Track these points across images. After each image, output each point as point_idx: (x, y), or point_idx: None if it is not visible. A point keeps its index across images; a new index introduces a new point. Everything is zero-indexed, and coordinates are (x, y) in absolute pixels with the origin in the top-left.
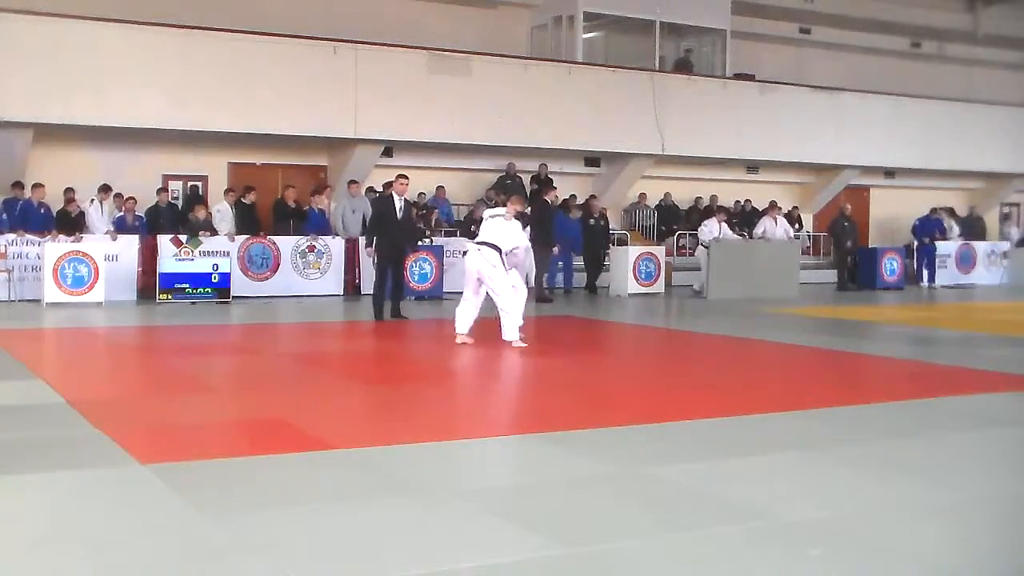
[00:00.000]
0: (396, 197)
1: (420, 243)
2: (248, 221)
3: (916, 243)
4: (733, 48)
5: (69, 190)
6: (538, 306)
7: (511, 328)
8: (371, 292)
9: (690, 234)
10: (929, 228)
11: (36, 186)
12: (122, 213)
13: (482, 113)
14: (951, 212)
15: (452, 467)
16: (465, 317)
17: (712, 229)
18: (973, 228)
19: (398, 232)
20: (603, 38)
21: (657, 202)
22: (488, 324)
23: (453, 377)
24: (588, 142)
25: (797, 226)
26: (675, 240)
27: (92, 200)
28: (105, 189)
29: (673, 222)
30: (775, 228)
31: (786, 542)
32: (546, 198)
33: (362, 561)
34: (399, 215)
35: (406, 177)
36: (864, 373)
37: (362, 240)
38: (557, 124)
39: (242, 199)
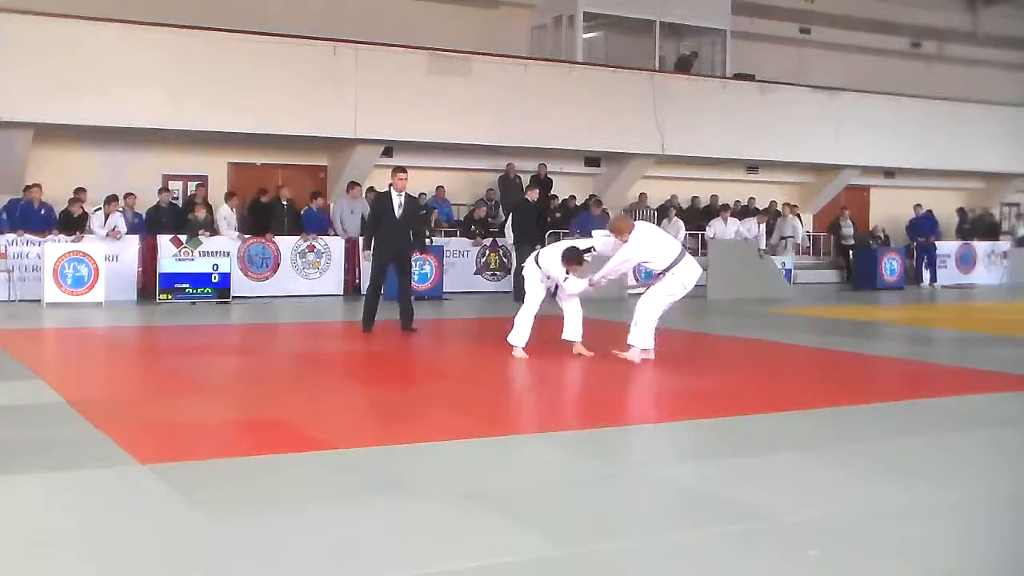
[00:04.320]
0: (395, 193)
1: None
2: (261, 221)
3: (914, 243)
4: (733, 48)
5: (80, 190)
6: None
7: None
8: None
9: (689, 235)
10: (923, 226)
11: (33, 186)
12: (123, 210)
13: (482, 113)
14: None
15: (452, 467)
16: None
17: (718, 229)
18: (979, 226)
19: (398, 231)
20: (603, 38)
21: (659, 203)
22: (479, 324)
23: (452, 377)
24: (588, 142)
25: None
26: None
27: (97, 210)
28: (111, 200)
29: None
30: (725, 229)
31: (786, 542)
32: (528, 197)
33: (361, 561)
34: (398, 212)
35: (404, 171)
36: (864, 373)
37: (362, 241)
38: (557, 124)
39: (260, 199)
